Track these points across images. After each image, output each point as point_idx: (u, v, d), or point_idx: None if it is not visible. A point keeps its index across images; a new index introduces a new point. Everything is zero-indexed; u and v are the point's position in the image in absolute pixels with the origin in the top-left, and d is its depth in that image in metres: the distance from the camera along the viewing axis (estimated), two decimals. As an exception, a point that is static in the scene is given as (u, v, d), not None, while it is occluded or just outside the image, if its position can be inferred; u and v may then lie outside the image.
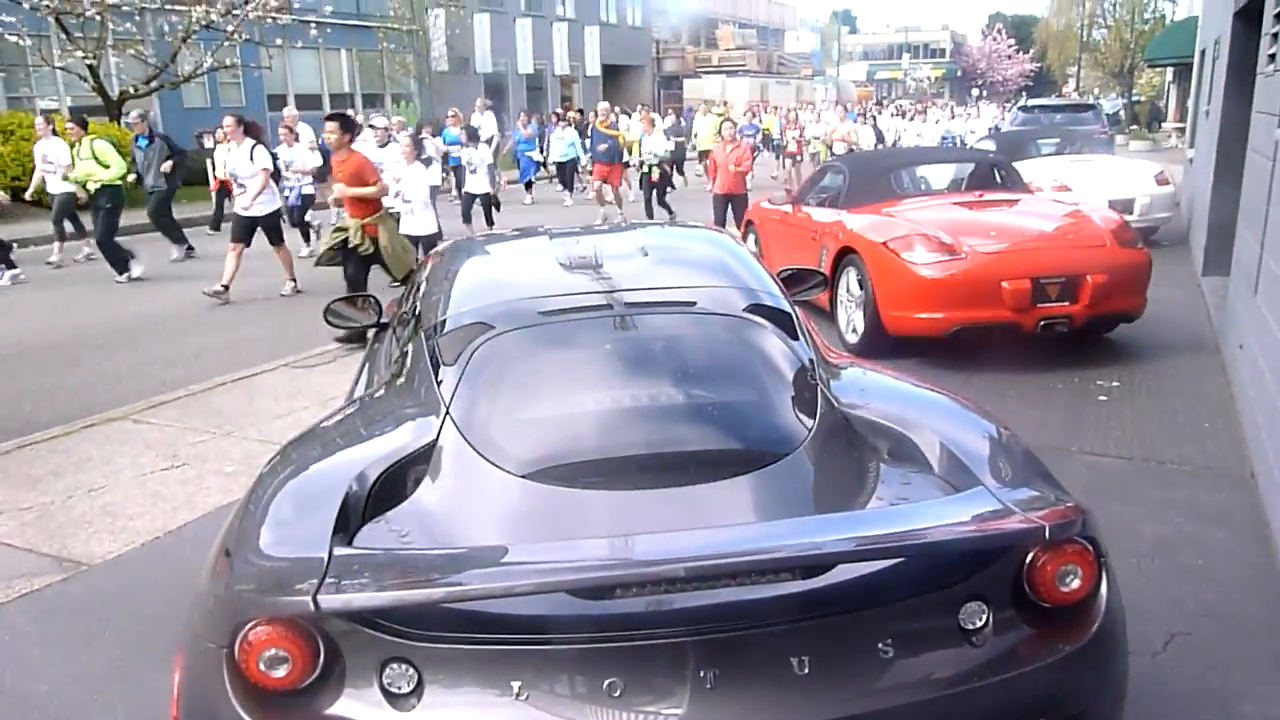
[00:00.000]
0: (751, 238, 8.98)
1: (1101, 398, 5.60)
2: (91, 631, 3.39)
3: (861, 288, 6.50)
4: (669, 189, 14.20)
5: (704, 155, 18.10)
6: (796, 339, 2.55)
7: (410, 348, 2.71)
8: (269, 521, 1.93)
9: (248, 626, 1.62)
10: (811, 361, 2.46)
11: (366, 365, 3.54)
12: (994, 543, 1.79)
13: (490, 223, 13.21)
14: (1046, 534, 1.71)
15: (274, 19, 18.47)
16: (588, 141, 16.37)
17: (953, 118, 21.53)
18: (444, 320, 2.62)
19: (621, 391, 2.28)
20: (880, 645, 1.67)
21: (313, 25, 19.86)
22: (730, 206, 11.49)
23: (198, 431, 5.59)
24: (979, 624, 1.74)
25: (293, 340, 7.77)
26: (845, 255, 6.74)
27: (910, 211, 6.75)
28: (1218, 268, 8.08)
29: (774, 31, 57.60)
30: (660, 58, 45.16)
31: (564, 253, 3.05)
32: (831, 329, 6.86)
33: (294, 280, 10.13)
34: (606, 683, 1.58)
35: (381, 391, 2.71)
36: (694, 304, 2.61)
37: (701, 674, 1.59)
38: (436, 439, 2.16)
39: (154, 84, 17.85)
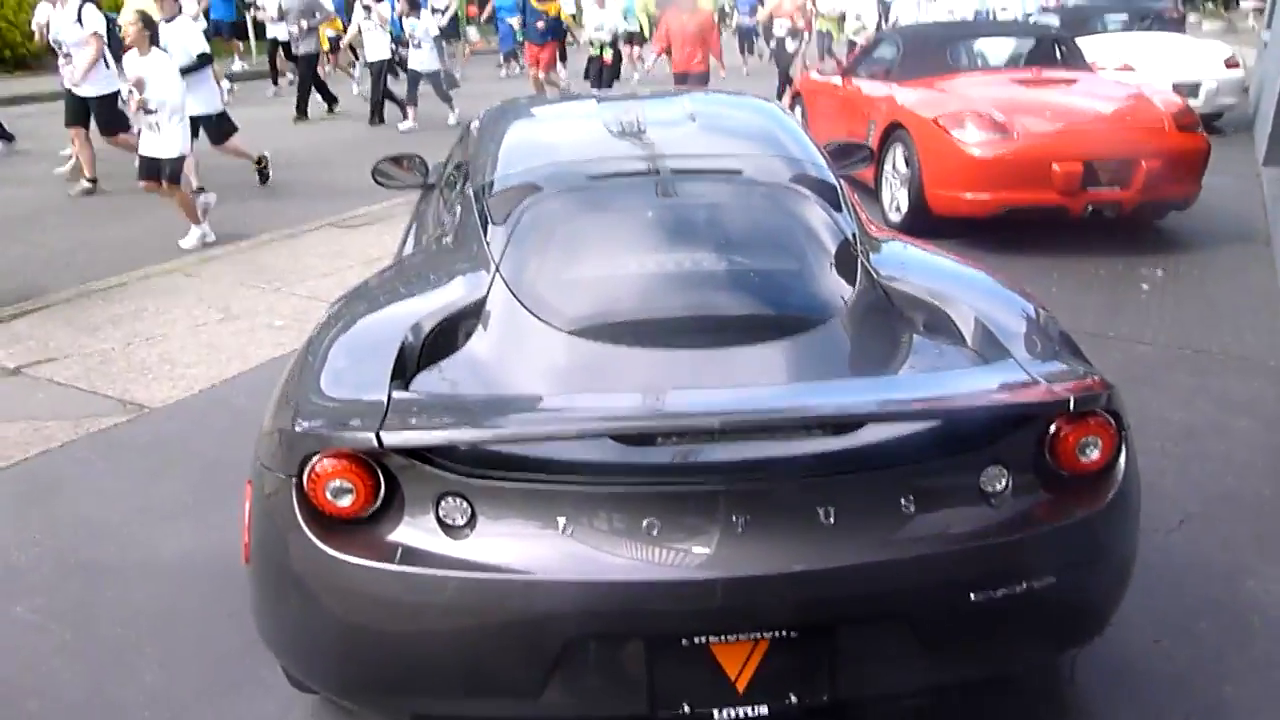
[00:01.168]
0: (799, 109, 8.80)
1: (1144, 285, 5.56)
2: (156, 468, 3.62)
3: (908, 165, 6.40)
4: (616, 79, 11.84)
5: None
6: (840, 211, 2.58)
7: (459, 207, 2.78)
8: (330, 367, 2.05)
9: (315, 458, 1.76)
10: (853, 234, 2.50)
11: (414, 225, 3.61)
12: (1018, 410, 1.86)
13: (448, 103, 12.09)
14: (1071, 405, 1.79)
15: None
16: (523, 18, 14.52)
17: None
18: (493, 180, 2.68)
19: (665, 256, 2.34)
20: (902, 501, 1.77)
21: None
22: None
23: (247, 286, 5.75)
24: (999, 487, 1.84)
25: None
26: (893, 130, 6.62)
27: (964, 87, 6.58)
28: (1279, 157, 7.85)
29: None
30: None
31: (612, 117, 3.06)
32: (875, 206, 6.80)
33: (90, 179, 8.39)
34: (645, 522, 1.71)
35: (431, 249, 2.80)
36: (740, 172, 2.64)
37: (734, 518, 1.71)
38: (487, 295, 2.25)
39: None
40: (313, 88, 12.48)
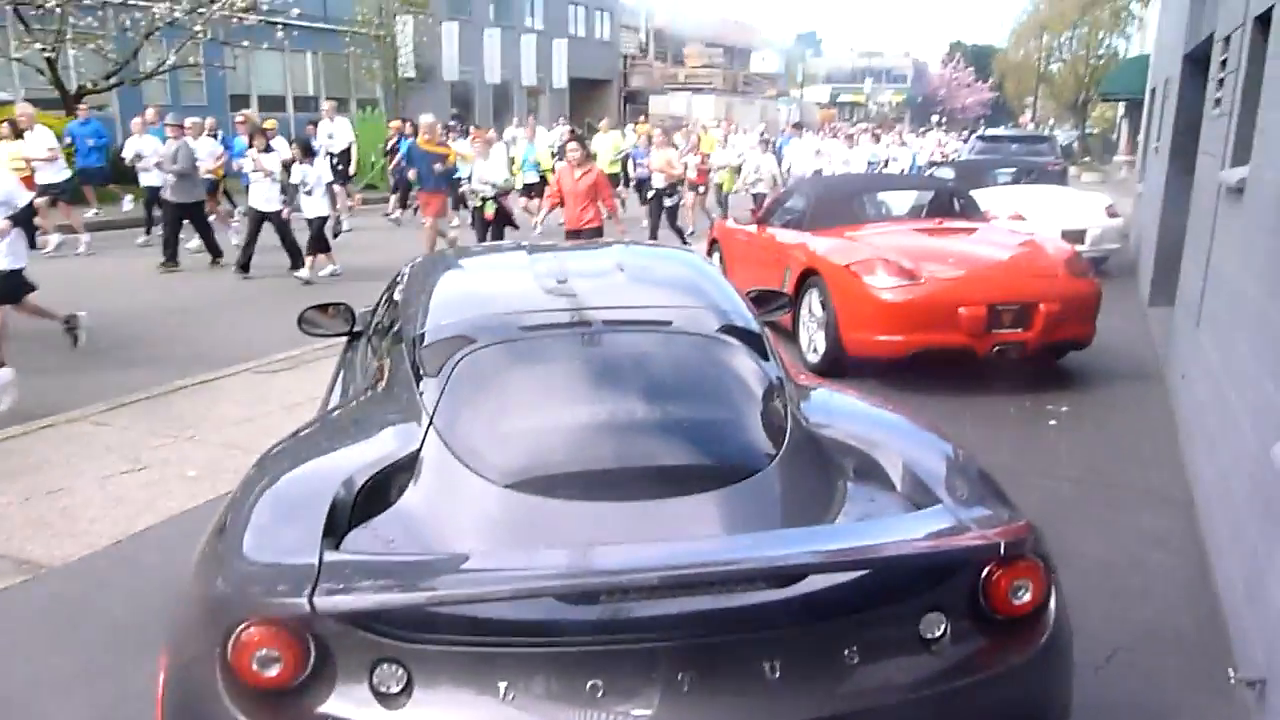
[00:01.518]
0: (715, 256, 9.13)
1: (1051, 422, 5.80)
2: (53, 634, 3.38)
3: (824, 309, 6.66)
4: (506, 228, 10.89)
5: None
6: (767, 359, 2.66)
7: (390, 357, 2.77)
8: (257, 525, 1.99)
9: (240, 627, 1.68)
10: (780, 381, 2.57)
11: (341, 373, 3.59)
12: (953, 557, 1.90)
13: (319, 250, 11.14)
14: (1001, 550, 1.83)
15: (240, 19, 18.34)
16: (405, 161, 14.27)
17: (876, 142, 20.38)
18: (425, 332, 2.69)
19: (599, 407, 2.36)
20: (846, 652, 1.77)
21: (279, 27, 19.69)
22: None
23: (159, 435, 5.56)
24: (938, 633, 1.86)
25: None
26: (808, 277, 6.90)
27: (872, 236, 6.94)
28: (1163, 299, 8.39)
29: (740, 51, 58.30)
30: (628, 73, 45.47)
31: (542, 268, 3.13)
32: (793, 348, 7.01)
33: None
34: (589, 684, 1.66)
35: (362, 400, 2.77)
36: (669, 323, 2.70)
37: (678, 676, 1.68)
38: (420, 448, 2.22)
39: (113, 80, 17.61)
40: (198, 234, 11.84)
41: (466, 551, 1.93)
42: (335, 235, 11.69)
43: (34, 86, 18.32)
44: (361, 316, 4.01)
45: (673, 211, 13.08)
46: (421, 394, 2.42)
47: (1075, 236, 10.15)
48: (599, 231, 9.26)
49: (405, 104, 26.67)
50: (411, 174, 12.49)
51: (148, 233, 13.68)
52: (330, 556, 1.79)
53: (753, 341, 2.71)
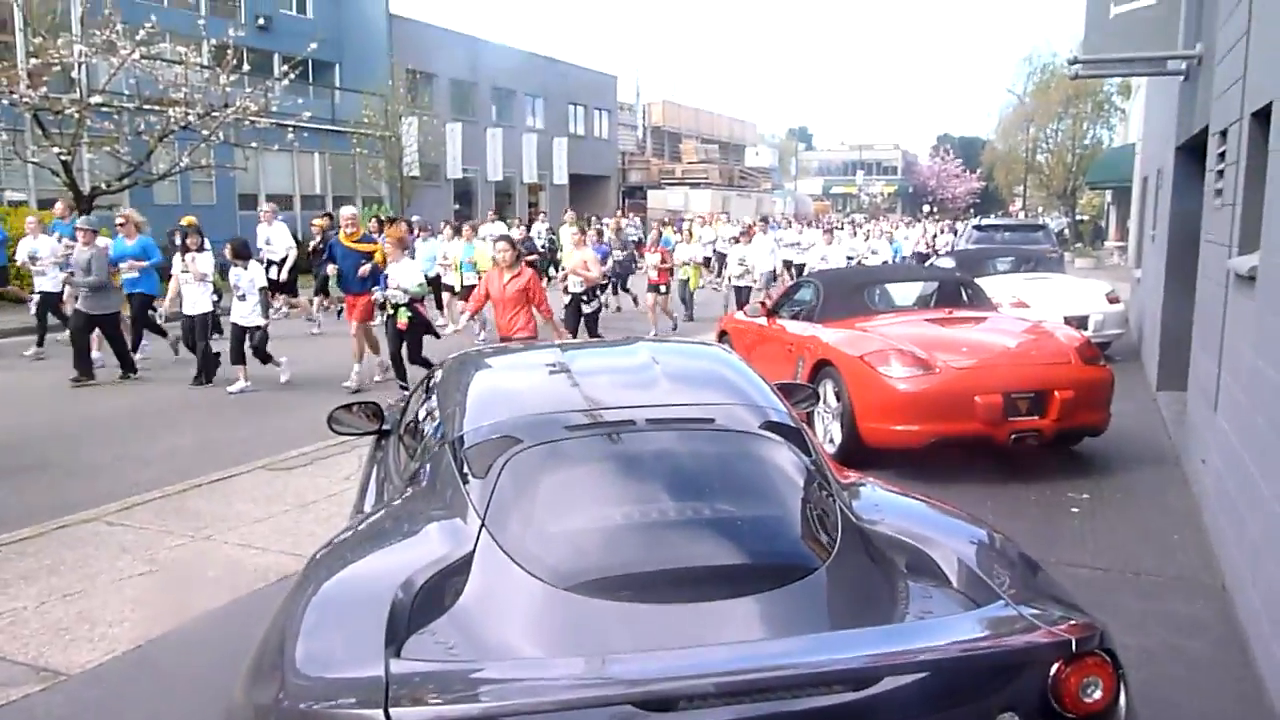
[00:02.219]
0: (725, 346, 9.19)
1: (1074, 509, 5.77)
2: (76, 745, 3.30)
3: (839, 399, 6.68)
4: (425, 339, 9.71)
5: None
6: (809, 455, 2.67)
7: (430, 457, 2.77)
8: (313, 633, 1.96)
9: None
10: (827, 478, 2.58)
11: (374, 473, 3.58)
12: (1023, 656, 1.88)
13: (243, 360, 10.01)
14: (1073, 647, 1.81)
15: (252, 122, 18.83)
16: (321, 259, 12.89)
17: (853, 236, 19.81)
18: (468, 432, 2.69)
19: (649, 506, 2.36)
20: None
21: (289, 129, 20.21)
22: None
23: (175, 534, 5.51)
24: None
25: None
26: (822, 367, 6.95)
27: (884, 327, 7.02)
28: (1171, 383, 8.44)
29: (735, 147, 59.75)
30: (626, 168, 46.50)
31: (578, 366, 3.16)
32: (808, 438, 7.00)
33: None
34: None
35: (404, 500, 2.76)
36: (712, 420, 2.71)
37: None
38: (474, 550, 2.21)
39: (127, 181, 17.99)
40: (110, 346, 10.70)
41: (532, 658, 1.91)
42: (264, 345, 10.26)
43: (46, 187, 18.70)
44: (389, 413, 4.03)
45: (593, 320, 11.26)
46: (469, 494, 2.42)
47: (1078, 323, 10.25)
48: (533, 339, 8.07)
49: (410, 201, 27.20)
50: (330, 269, 10.94)
51: (39, 344, 12.07)
52: (397, 667, 1.77)
53: (794, 437, 2.72)
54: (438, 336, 10.10)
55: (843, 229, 22.35)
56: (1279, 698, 3.32)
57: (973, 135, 75.85)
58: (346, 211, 10.93)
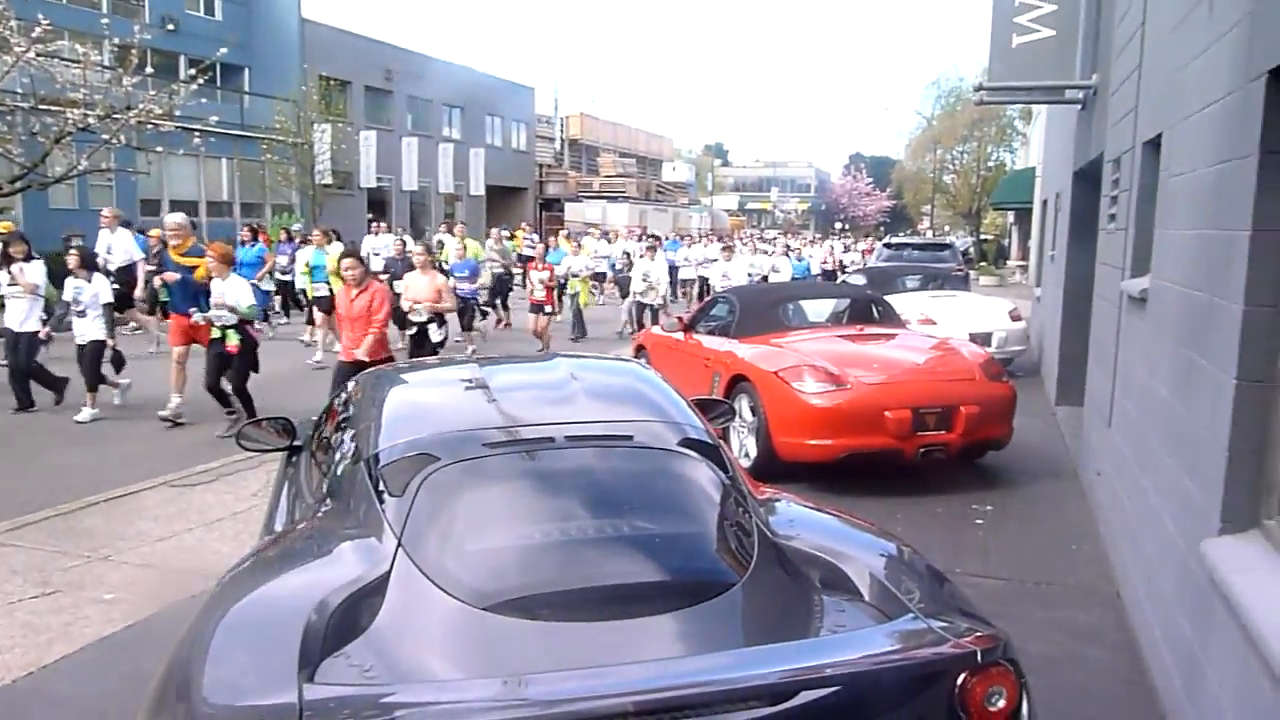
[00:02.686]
0: (643, 361, 9.24)
1: (978, 521, 5.96)
2: (-40, 780, 3.13)
3: (754, 414, 6.78)
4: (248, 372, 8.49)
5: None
6: (727, 471, 2.70)
7: (345, 476, 2.72)
8: (223, 657, 1.90)
9: None
10: (744, 494, 2.62)
11: (285, 490, 3.49)
12: (931, 667, 1.94)
13: (95, 384, 8.96)
14: (978, 658, 1.88)
15: (155, 126, 18.19)
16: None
17: (754, 253, 18.95)
18: (384, 449, 2.65)
19: (568, 524, 2.36)
20: None
21: (195, 133, 19.56)
22: None
23: (70, 555, 5.27)
24: None
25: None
26: (738, 383, 7.04)
27: (798, 343, 7.15)
28: (1070, 398, 8.80)
29: (653, 161, 60.20)
30: (544, 181, 46.41)
31: (496, 382, 3.14)
32: (724, 452, 7.08)
33: None
34: None
35: (317, 519, 2.70)
36: (630, 437, 2.73)
37: None
38: (390, 570, 2.18)
39: (19, 184, 17.18)
40: None
41: (449, 680, 1.89)
42: (118, 368, 9.62)
43: (-68, 190, 17.72)
44: (302, 429, 3.93)
45: (436, 351, 9.96)
46: (385, 513, 2.38)
47: (983, 340, 10.61)
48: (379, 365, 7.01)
49: (321, 210, 26.63)
50: (159, 280, 9.87)
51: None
52: (311, 692, 1.73)
53: (711, 454, 2.75)
54: (255, 371, 8.55)
55: (745, 244, 21.74)
56: (1168, 700, 3.48)
57: (883, 155, 78.01)
58: (171, 221, 9.56)
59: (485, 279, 15.11)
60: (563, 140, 51.88)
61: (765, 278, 17.54)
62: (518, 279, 18.50)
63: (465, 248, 14.03)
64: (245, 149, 26.40)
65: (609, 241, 22.38)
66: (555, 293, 13.93)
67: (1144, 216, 5.08)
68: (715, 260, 18.35)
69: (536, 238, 26.47)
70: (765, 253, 19.33)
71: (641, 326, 14.01)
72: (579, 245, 18.91)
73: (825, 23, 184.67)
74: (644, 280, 14.75)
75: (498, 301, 16.47)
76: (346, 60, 31.58)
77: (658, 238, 19.96)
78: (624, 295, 17.11)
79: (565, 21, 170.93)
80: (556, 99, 50.75)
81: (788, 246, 22.25)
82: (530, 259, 18.39)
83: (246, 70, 29.04)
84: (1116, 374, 5.49)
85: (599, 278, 19.92)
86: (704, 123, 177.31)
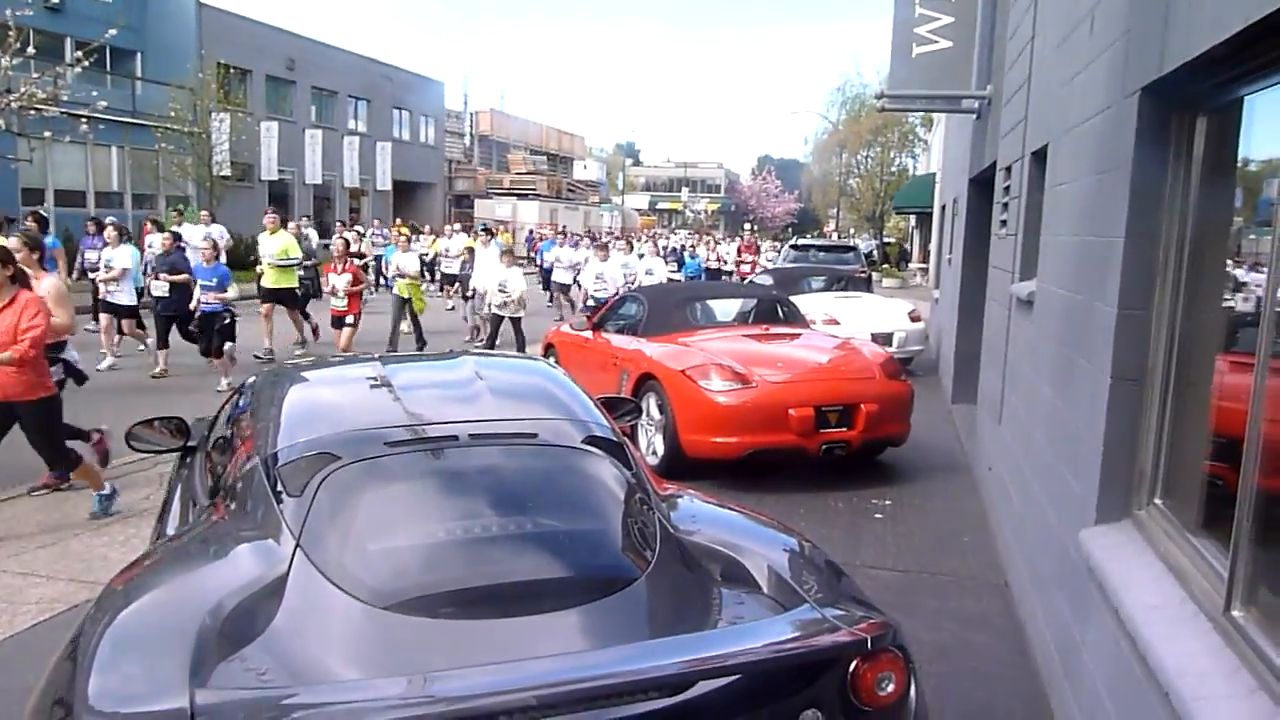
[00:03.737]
0: (551, 360, 9.24)
1: (877, 515, 6.16)
2: None
3: (661, 412, 6.85)
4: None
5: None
6: (630, 468, 2.74)
7: (242, 477, 2.67)
8: (110, 665, 1.85)
9: None
10: (647, 491, 2.66)
11: (178, 492, 3.39)
12: (824, 655, 2.02)
13: None
14: (869, 645, 1.96)
15: (39, 111, 17.33)
16: None
17: (629, 252, 16.48)
18: (283, 449, 2.61)
19: (471, 522, 2.37)
20: None
21: (83, 120, 18.67)
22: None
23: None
24: None
25: None
26: (645, 381, 7.11)
27: (705, 342, 7.26)
28: (964, 396, 9.15)
29: (564, 159, 60.06)
30: (453, 177, 45.83)
31: (400, 380, 3.12)
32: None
33: None
34: None
35: (212, 521, 2.64)
36: (535, 435, 2.74)
37: None
38: (288, 571, 2.15)
39: (-113, 170, 16.18)
40: None
41: (350, 680, 1.87)
42: None
43: None
44: (196, 429, 3.83)
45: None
46: (283, 513, 2.34)
47: (883, 339, 10.94)
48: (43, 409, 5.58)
49: (219, 202, 25.73)
50: None
51: None
52: (203, 697, 1.70)
53: (616, 451, 2.78)
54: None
55: (620, 244, 19.27)
56: (1050, 680, 3.67)
57: (791, 158, 79.55)
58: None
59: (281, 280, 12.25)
60: (472, 136, 51.34)
61: (639, 280, 14.57)
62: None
63: (217, 250, 11.15)
64: (138, 137, 25.32)
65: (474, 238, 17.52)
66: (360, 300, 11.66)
67: (1032, 223, 5.32)
68: (588, 261, 15.61)
69: (389, 233, 22.84)
70: (640, 254, 16.24)
71: (494, 343, 12.36)
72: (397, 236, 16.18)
73: (735, 25, 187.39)
74: (501, 291, 12.19)
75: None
76: (247, 48, 30.57)
77: (490, 231, 16.36)
78: (465, 297, 15.25)
79: (476, 16, 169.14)
80: (466, 94, 50.50)
81: (686, 247, 21.19)
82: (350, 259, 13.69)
83: (139, 55, 27.88)
84: (1006, 373, 5.75)
85: (449, 280, 17.29)
86: (616, 122, 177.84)
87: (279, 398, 3.03)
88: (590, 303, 13.20)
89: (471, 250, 15.66)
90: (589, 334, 8.64)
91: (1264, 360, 2.21)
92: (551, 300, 19.13)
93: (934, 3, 8.96)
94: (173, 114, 24.73)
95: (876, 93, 9.80)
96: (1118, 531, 3.09)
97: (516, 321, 12.30)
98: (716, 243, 28.60)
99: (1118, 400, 3.09)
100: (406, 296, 12.64)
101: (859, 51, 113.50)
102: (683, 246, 21.01)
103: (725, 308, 8.70)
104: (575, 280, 17.20)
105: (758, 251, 25.10)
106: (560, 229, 27.88)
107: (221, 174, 26.54)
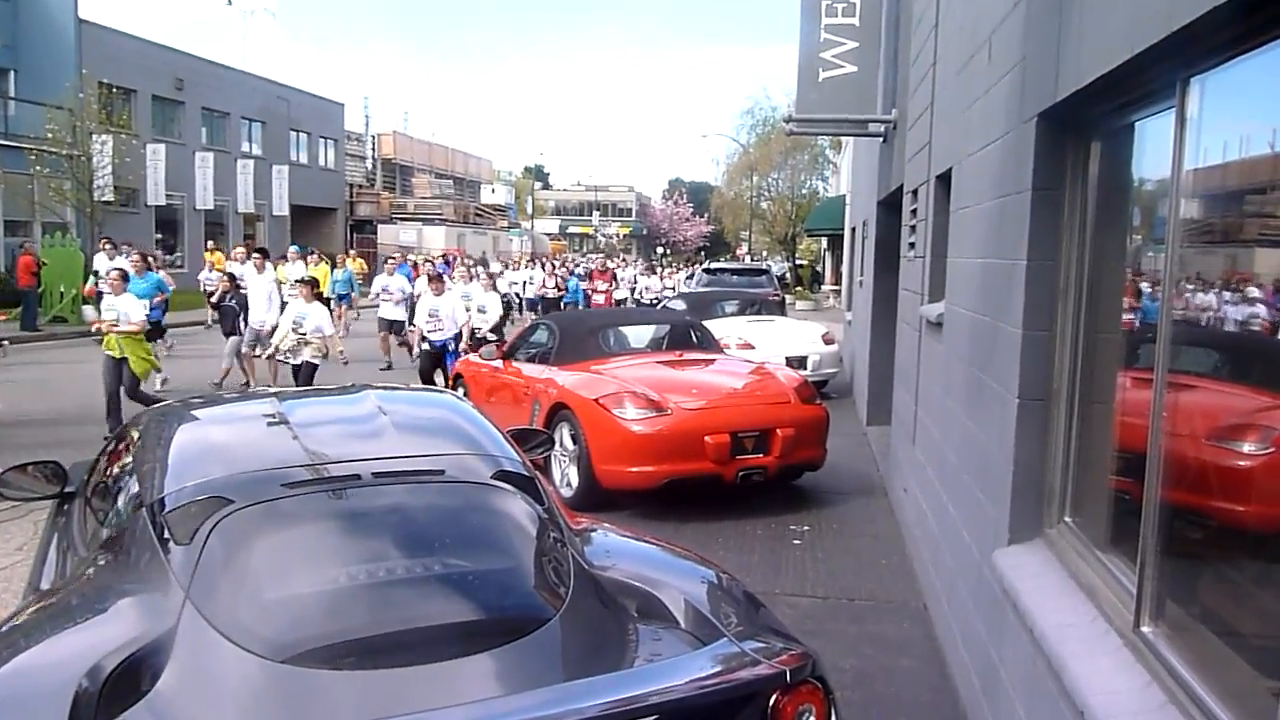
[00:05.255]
0: (460, 391, 9.12)
1: (795, 541, 6.23)
2: None
3: (575, 443, 6.82)
4: None
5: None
6: (542, 503, 2.72)
7: (126, 524, 2.55)
8: None
9: None
10: (560, 526, 2.64)
11: (55, 543, 3.22)
12: (745, 689, 2.02)
13: None
14: (788, 677, 1.97)
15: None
16: None
17: (468, 281, 13.61)
18: (170, 493, 2.50)
19: (375, 566, 2.31)
20: None
21: (-53, 144, 17.82)
22: None
23: None
24: None
25: None
26: (558, 411, 7.07)
27: (618, 369, 7.27)
28: (879, 418, 9.37)
29: (470, 183, 59.76)
30: (354, 201, 45.10)
31: (296, 417, 3.03)
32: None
33: None
34: None
35: (91, 573, 2.51)
36: (442, 472, 2.69)
37: None
38: (176, 626, 2.05)
39: None
40: None
41: None
42: None
43: None
44: (74, 473, 3.65)
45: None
46: (170, 563, 2.25)
47: (798, 363, 11.15)
48: None
49: (101, 229, 24.76)
50: None
51: None
52: None
53: (526, 487, 2.75)
54: None
55: (459, 275, 14.89)
56: (969, 702, 3.75)
57: (703, 180, 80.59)
58: None
59: None
60: (375, 159, 50.69)
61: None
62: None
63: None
64: (10, 160, 24.24)
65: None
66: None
67: (939, 245, 5.50)
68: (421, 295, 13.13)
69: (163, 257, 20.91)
70: (465, 295, 12.56)
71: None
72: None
73: (642, 48, 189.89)
74: (296, 329, 10.01)
75: None
76: (131, 66, 29.63)
77: (264, 252, 13.70)
78: (227, 333, 12.35)
79: (376, 36, 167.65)
80: (367, 115, 49.85)
81: (490, 274, 17.11)
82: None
83: (12, 73, 26.80)
84: (919, 394, 5.90)
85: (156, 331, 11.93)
86: (523, 144, 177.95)
87: (166, 438, 2.92)
88: (425, 345, 11.70)
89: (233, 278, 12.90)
90: (499, 363, 8.57)
91: (1162, 375, 2.32)
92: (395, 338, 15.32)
93: (839, 29, 9.24)
94: (50, 136, 23.79)
95: (785, 116, 10.02)
96: (1030, 551, 3.18)
97: (309, 370, 9.95)
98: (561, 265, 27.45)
99: (1025, 420, 3.20)
100: (120, 355, 9.19)
101: (767, 74, 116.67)
102: (490, 274, 18.16)
103: (639, 334, 8.74)
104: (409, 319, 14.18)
105: (614, 280, 23.24)
106: (399, 253, 23.60)
107: (104, 199, 25.57)
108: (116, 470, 3.00)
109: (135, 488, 2.66)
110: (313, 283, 11.31)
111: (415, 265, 21.46)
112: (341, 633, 2.12)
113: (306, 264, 17.92)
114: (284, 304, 11.90)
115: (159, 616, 2.09)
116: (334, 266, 19.62)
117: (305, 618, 2.16)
